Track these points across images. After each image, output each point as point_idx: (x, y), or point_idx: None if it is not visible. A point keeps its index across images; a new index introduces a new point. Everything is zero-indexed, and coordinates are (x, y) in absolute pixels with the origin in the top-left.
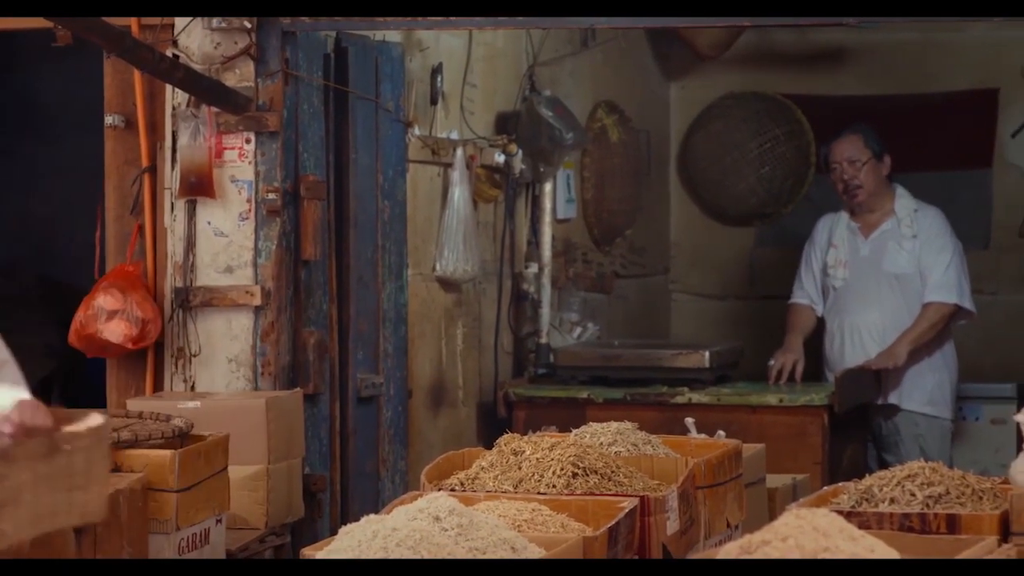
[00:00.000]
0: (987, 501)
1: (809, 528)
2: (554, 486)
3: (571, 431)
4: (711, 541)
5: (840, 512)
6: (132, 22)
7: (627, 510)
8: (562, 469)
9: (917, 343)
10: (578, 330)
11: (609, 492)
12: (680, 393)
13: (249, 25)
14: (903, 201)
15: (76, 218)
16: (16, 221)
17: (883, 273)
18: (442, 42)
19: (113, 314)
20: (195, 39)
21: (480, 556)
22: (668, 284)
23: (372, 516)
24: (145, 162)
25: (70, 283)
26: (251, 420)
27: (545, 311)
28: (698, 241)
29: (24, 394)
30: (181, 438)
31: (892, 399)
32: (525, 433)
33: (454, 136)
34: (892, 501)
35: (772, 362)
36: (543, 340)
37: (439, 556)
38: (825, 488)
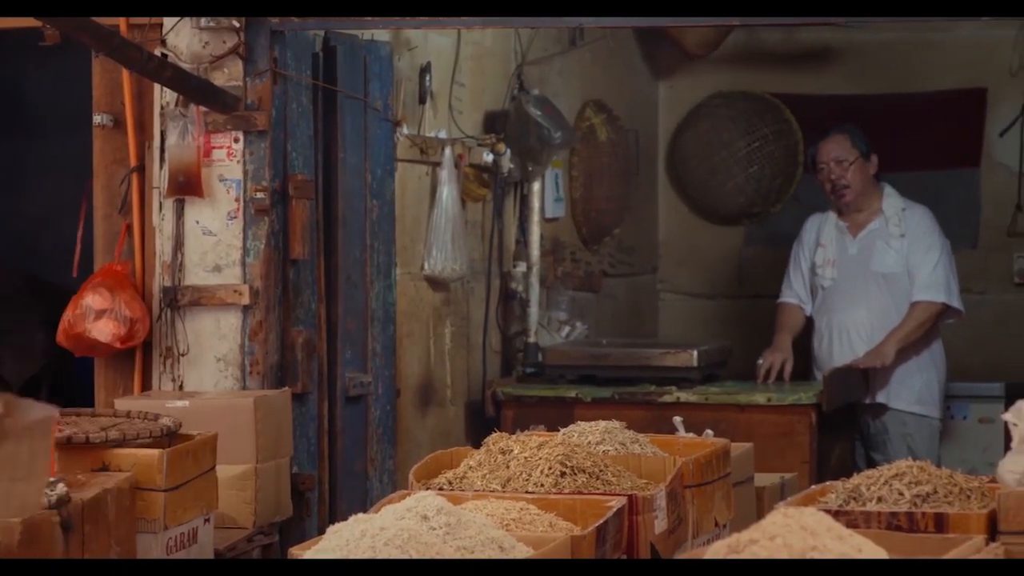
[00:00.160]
0: (975, 500)
1: (797, 527)
2: (542, 485)
3: (559, 430)
4: (699, 540)
5: (828, 511)
6: (120, 22)
7: (615, 509)
8: (550, 468)
9: (905, 342)
10: (566, 329)
11: (597, 491)
12: (668, 392)
13: (237, 24)
14: (891, 200)
15: (64, 217)
16: (4, 220)
17: (871, 272)
18: (430, 41)
19: (101, 313)
20: (183, 38)
21: (468, 555)
22: (656, 283)
23: (360, 515)
24: (133, 161)
25: (58, 282)
26: (239, 419)
27: (533, 310)
28: (686, 240)
29: None
30: (169, 437)
31: (880, 398)
32: (513, 432)
33: (442, 135)
34: (880, 500)
35: (760, 361)
36: (531, 339)
37: (427, 555)
38: (813, 487)
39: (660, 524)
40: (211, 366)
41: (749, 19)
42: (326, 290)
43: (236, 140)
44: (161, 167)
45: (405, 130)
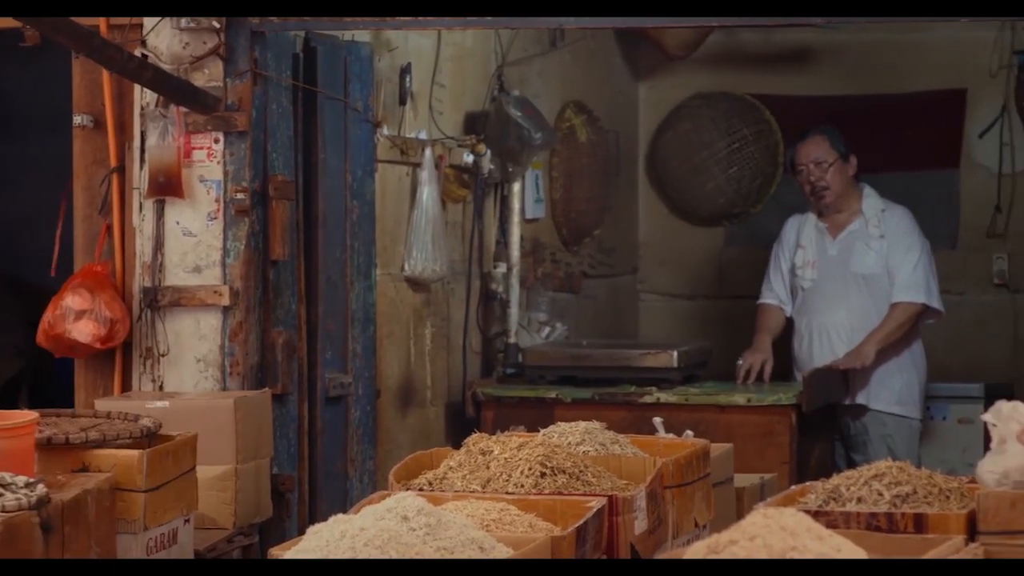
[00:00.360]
0: (954, 500)
1: (776, 527)
2: (522, 486)
3: (539, 431)
4: (679, 540)
5: (807, 511)
6: (101, 22)
7: (595, 510)
8: (530, 469)
9: (885, 343)
10: (547, 330)
11: (577, 492)
12: (648, 393)
13: (218, 25)
14: (870, 201)
15: (44, 218)
16: None
17: (851, 273)
18: (411, 42)
19: (81, 314)
20: (164, 39)
21: (448, 556)
22: (637, 284)
23: (340, 516)
24: (114, 162)
25: (38, 283)
26: (219, 420)
27: (514, 311)
28: (666, 241)
29: None
30: (149, 438)
31: (860, 399)
32: (493, 433)
33: (423, 136)
34: (859, 500)
35: (740, 362)
36: (511, 340)
37: (407, 556)
38: (793, 487)
39: (640, 525)
40: (191, 367)
41: (729, 20)
42: (306, 291)
43: (216, 141)
44: (141, 168)
45: (385, 131)
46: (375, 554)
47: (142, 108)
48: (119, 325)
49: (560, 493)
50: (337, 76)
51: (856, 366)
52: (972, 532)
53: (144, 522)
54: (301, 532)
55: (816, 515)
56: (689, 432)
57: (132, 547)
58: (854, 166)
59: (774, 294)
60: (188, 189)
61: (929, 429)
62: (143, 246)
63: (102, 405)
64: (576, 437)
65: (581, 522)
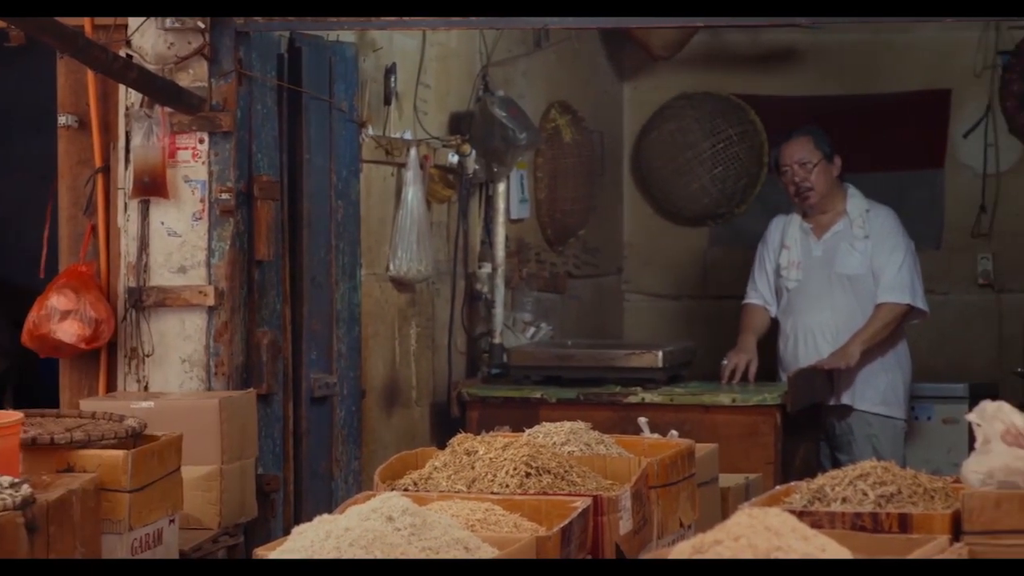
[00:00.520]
0: (939, 500)
1: (761, 527)
2: (507, 486)
3: (524, 431)
4: (664, 541)
5: (792, 511)
6: (85, 22)
7: (580, 510)
8: (515, 469)
9: (870, 343)
10: (531, 330)
11: (562, 492)
12: (633, 393)
13: (202, 25)
14: (855, 201)
15: (29, 218)
16: None
17: (835, 274)
18: (396, 42)
19: (66, 314)
20: (148, 39)
21: (433, 556)
22: (621, 284)
23: (325, 516)
24: (98, 162)
25: (23, 283)
26: (204, 420)
27: (498, 311)
28: (651, 241)
29: None
30: (134, 438)
31: (845, 400)
32: (478, 433)
33: (408, 136)
34: (844, 500)
35: (725, 362)
36: (496, 340)
37: (392, 556)
38: (777, 487)
39: (625, 525)
40: (176, 367)
41: (713, 20)
42: (291, 291)
43: (201, 141)
44: (126, 168)
45: (370, 131)
46: (360, 554)
47: (127, 108)
48: (104, 325)
49: (545, 493)
50: (322, 76)
51: (841, 366)
52: (957, 532)
53: (129, 522)
54: (286, 532)
55: (801, 515)
56: (674, 432)
57: (117, 547)
58: (839, 166)
59: (759, 294)
60: (173, 189)
61: (914, 429)
62: (128, 246)
63: (87, 405)
64: (561, 437)
65: (566, 522)
